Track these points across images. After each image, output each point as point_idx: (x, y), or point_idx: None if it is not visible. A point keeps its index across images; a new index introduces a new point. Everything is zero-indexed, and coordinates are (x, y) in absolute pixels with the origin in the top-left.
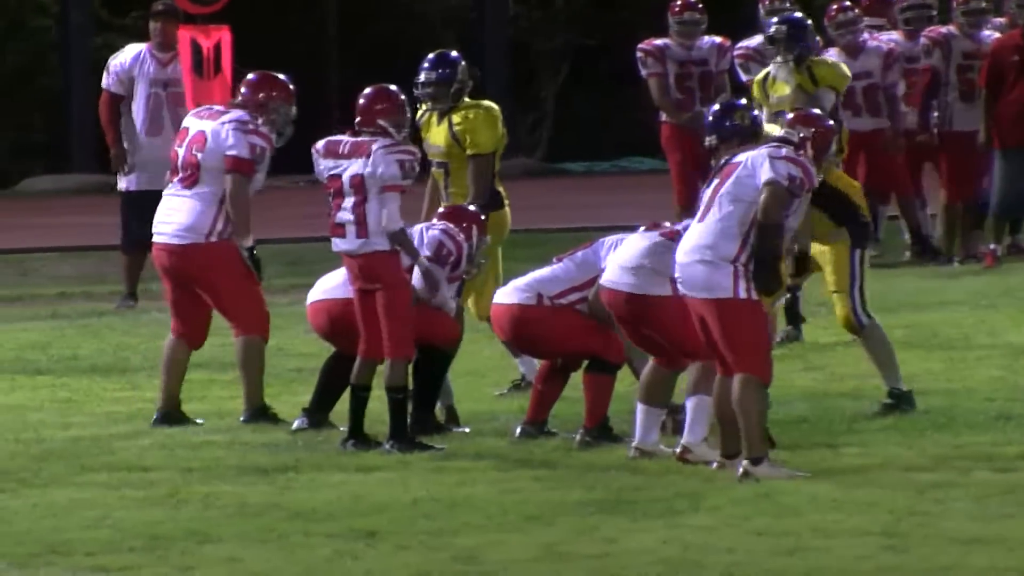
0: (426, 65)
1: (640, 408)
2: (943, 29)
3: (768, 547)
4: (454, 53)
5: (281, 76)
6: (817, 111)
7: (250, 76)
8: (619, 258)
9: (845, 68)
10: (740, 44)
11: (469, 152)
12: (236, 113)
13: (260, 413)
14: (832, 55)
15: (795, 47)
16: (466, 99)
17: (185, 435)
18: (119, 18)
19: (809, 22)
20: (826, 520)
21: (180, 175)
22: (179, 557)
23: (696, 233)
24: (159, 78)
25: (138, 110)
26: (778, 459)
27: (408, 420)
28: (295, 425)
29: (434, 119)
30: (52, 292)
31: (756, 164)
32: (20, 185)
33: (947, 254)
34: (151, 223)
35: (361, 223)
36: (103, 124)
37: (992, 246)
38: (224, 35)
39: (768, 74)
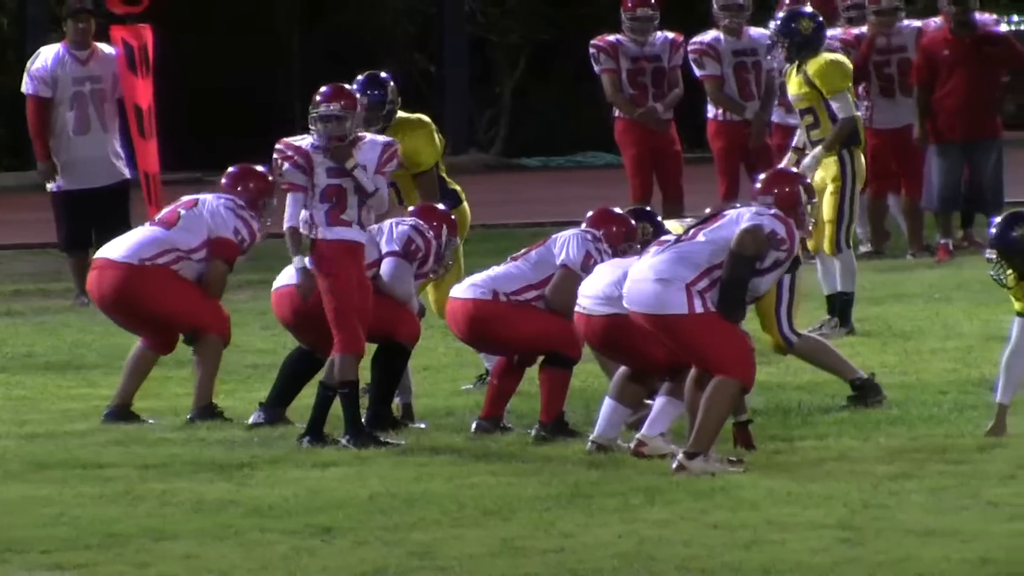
0: (357, 87)
1: (608, 403)
2: (854, 30)
3: (724, 540)
4: (383, 73)
5: (261, 169)
6: (791, 170)
7: (232, 169)
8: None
9: (845, 63)
10: (694, 40)
11: (413, 172)
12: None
13: (207, 411)
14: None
15: (790, 44)
16: (398, 113)
17: (141, 432)
18: None
19: (811, 15)
20: (782, 513)
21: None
22: (135, 554)
23: (653, 259)
24: (81, 76)
25: (64, 110)
26: (716, 454)
27: (362, 415)
28: (251, 420)
29: None
30: (7, 289)
31: (742, 216)
32: None
33: (876, 248)
34: (85, 221)
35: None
36: (32, 133)
37: (942, 240)
38: (149, 34)
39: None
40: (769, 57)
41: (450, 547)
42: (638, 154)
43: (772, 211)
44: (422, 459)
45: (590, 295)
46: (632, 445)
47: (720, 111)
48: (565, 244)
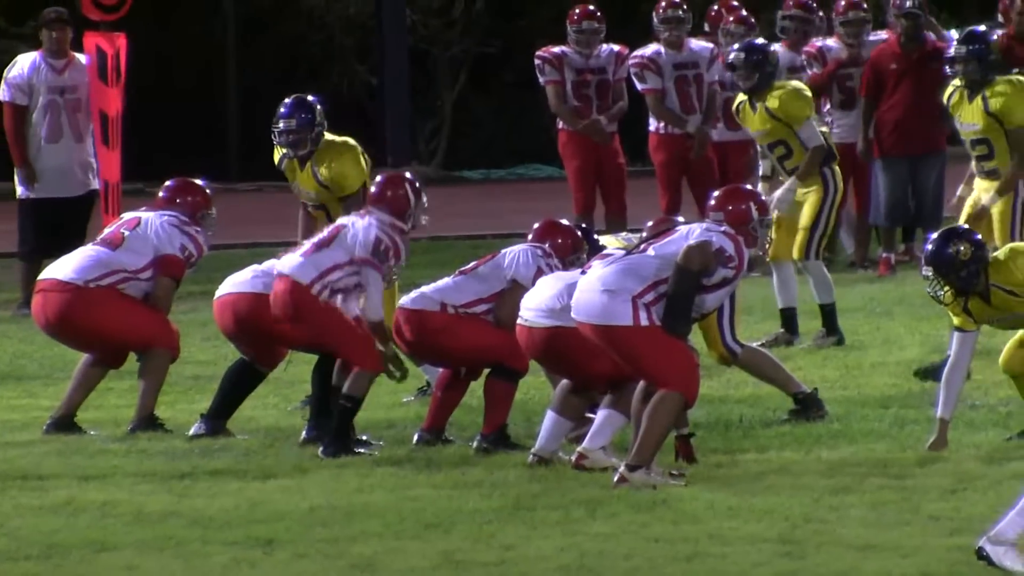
0: (284, 111)
1: (550, 416)
2: (819, 42)
3: (665, 554)
4: (310, 97)
5: (200, 182)
6: (745, 188)
7: (170, 183)
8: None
9: (803, 90)
10: (635, 53)
11: (339, 195)
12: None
13: (148, 422)
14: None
15: (751, 76)
16: (325, 136)
17: (81, 443)
18: (16, 26)
19: (771, 47)
20: (723, 527)
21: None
22: (76, 566)
23: (602, 270)
24: (56, 85)
25: (38, 118)
26: (658, 466)
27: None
28: (192, 431)
29: (296, 165)
30: None
31: (692, 231)
32: None
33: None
34: (49, 230)
35: None
36: (10, 139)
37: (884, 254)
38: (123, 42)
39: (741, 102)
40: (712, 70)
41: (391, 560)
42: (581, 166)
43: (723, 228)
44: (363, 471)
45: (532, 307)
46: (573, 458)
47: (661, 124)
48: (515, 259)
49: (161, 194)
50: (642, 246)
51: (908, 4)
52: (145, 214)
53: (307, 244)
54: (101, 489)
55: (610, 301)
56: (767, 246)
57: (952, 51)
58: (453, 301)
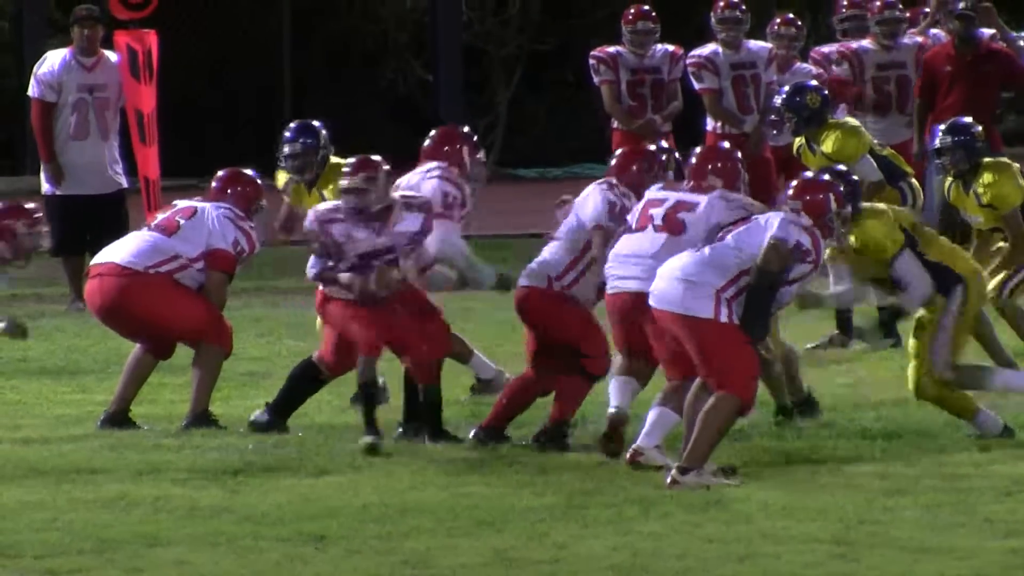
0: (289, 135)
1: (656, 410)
2: (854, 43)
3: (718, 554)
4: (316, 122)
5: (250, 172)
6: (823, 178)
7: (222, 173)
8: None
9: (856, 129)
10: (692, 53)
11: None
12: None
13: (202, 418)
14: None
15: (797, 118)
16: (331, 159)
17: (135, 438)
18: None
19: (816, 88)
20: (776, 527)
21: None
22: (128, 560)
23: (685, 260)
24: (85, 83)
25: (66, 115)
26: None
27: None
28: (254, 416)
29: (303, 188)
30: (2, 294)
31: (771, 221)
32: None
33: None
34: (78, 226)
35: None
36: (38, 135)
37: None
38: (153, 40)
39: (800, 146)
40: (769, 71)
41: (444, 557)
42: None
43: (800, 220)
44: (416, 468)
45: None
46: (628, 455)
47: (718, 124)
48: (586, 205)
49: (213, 184)
50: (721, 232)
51: (961, 6)
52: (200, 204)
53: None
54: (154, 484)
55: (691, 291)
56: (844, 239)
57: (938, 142)
58: (552, 273)
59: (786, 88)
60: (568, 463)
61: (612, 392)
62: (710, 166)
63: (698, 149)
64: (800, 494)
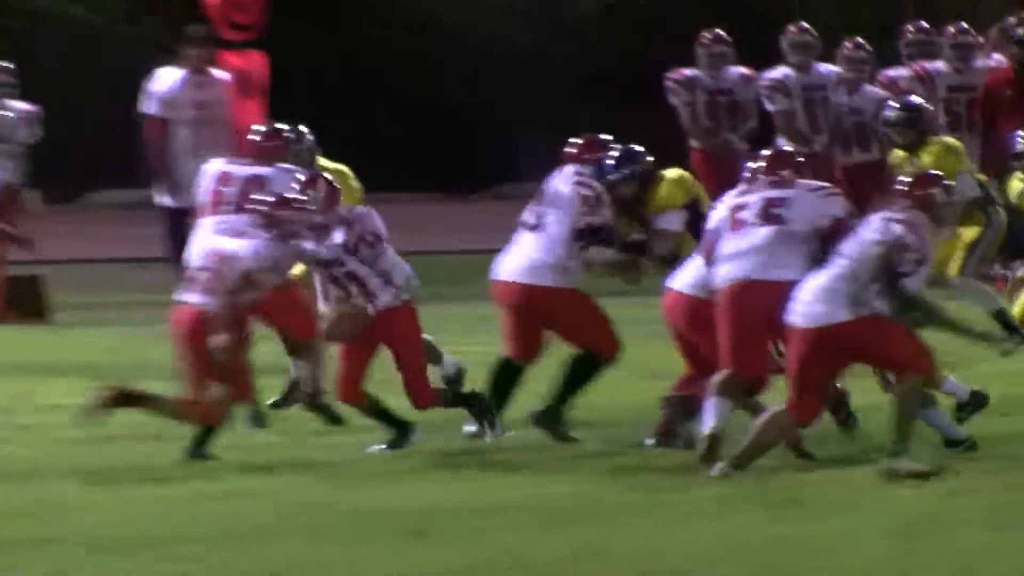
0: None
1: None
2: (928, 64)
3: (795, 549)
4: (302, 126)
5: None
6: (929, 172)
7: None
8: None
9: (956, 147)
10: (764, 75)
11: None
12: None
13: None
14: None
15: (907, 134)
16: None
17: (246, 434)
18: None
19: (923, 106)
20: (846, 524)
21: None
22: (242, 552)
23: (815, 282)
24: (197, 100)
25: (178, 131)
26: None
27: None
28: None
29: None
30: (123, 300)
31: (871, 223)
32: (88, 198)
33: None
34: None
35: None
36: (153, 151)
37: (1001, 271)
38: (261, 59)
39: (900, 159)
40: (838, 93)
41: (535, 551)
42: (714, 183)
43: (899, 215)
44: (509, 466)
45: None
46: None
47: (696, 142)
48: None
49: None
50: (831, 257)
51: (1021, 31)
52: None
53: None
54: (263, 478)
55: (830, 306)
56: (952, 229)
57: (1019, 146)
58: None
59: (893, 103)
60: (651, 458)
61: (708, 411)
62: (781, 163)
63: (765, 152)
64: (868, 495)
